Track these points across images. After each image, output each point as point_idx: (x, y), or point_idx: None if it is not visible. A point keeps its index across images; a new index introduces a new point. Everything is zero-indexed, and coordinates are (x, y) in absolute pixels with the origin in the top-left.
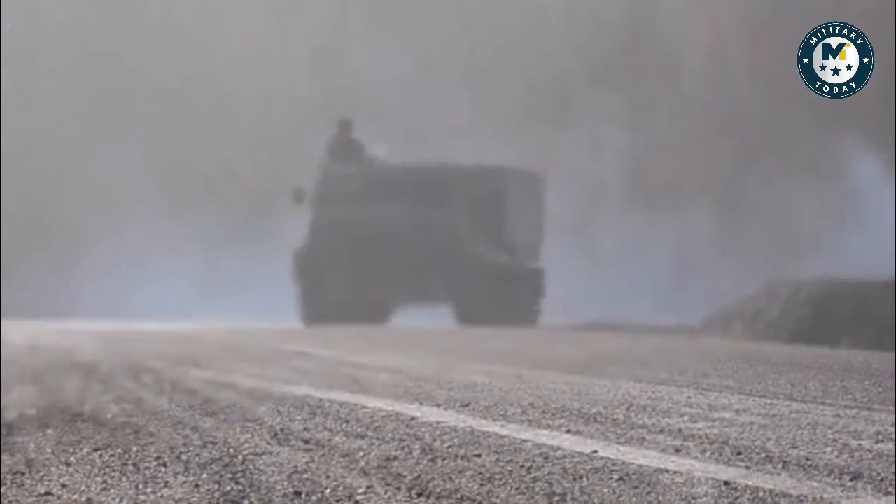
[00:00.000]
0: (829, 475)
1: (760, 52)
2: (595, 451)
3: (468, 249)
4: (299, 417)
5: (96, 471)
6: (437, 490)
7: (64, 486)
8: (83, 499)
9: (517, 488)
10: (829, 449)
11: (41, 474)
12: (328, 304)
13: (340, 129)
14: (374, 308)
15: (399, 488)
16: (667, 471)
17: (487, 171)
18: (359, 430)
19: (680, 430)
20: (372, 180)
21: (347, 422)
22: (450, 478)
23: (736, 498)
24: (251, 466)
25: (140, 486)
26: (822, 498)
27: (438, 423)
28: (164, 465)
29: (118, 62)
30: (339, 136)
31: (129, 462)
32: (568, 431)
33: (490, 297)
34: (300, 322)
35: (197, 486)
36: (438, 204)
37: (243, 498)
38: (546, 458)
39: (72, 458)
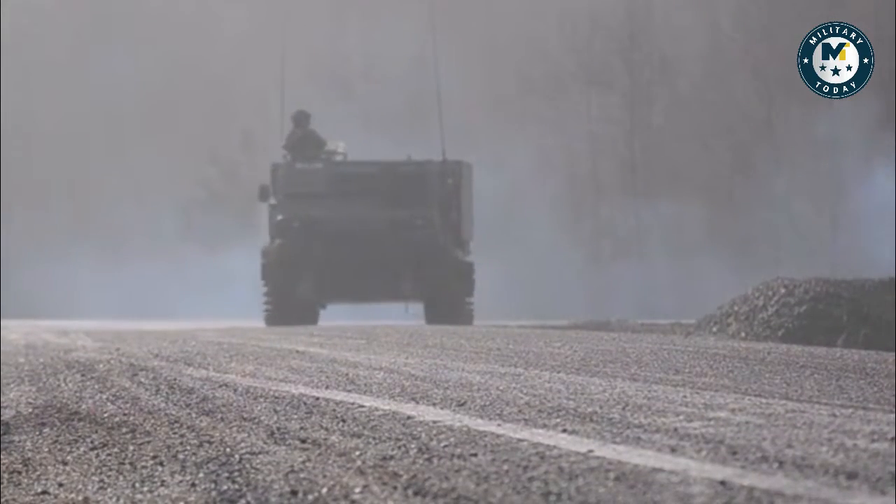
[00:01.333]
0: (824, 474)
1: (757, 52)
2: (591, 451)
3: (444, 248)
4: (296, 416)
5: (93, 470)
6: (434, 489)
7: (61, 484)
8: (80, 498)
9: (513, 487)
10: (824, 448)
11: (38, 473)
12: (293, 304)
13: (297, 122)
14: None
15: (395, 487)
16: (663, 470)
17: (451, 165)
18: (355, 429)
19: (676, 429)
20: (339, 177)
21: (344, 421)
22: (446, 477)
23: (732, 497)
24: (248, 465)
25: (137, 485)
26: (817, 497)
27: (435, 422)
28: (161, 464)
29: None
30: (296, 131)
31: (126, 461)
32: (564, 431)
33: (460, 295)
34: (263, 321)
35: (193, 485)
36: (414, 202)
37: (240, 497)
38: (542, 458)
39: (69, 457)
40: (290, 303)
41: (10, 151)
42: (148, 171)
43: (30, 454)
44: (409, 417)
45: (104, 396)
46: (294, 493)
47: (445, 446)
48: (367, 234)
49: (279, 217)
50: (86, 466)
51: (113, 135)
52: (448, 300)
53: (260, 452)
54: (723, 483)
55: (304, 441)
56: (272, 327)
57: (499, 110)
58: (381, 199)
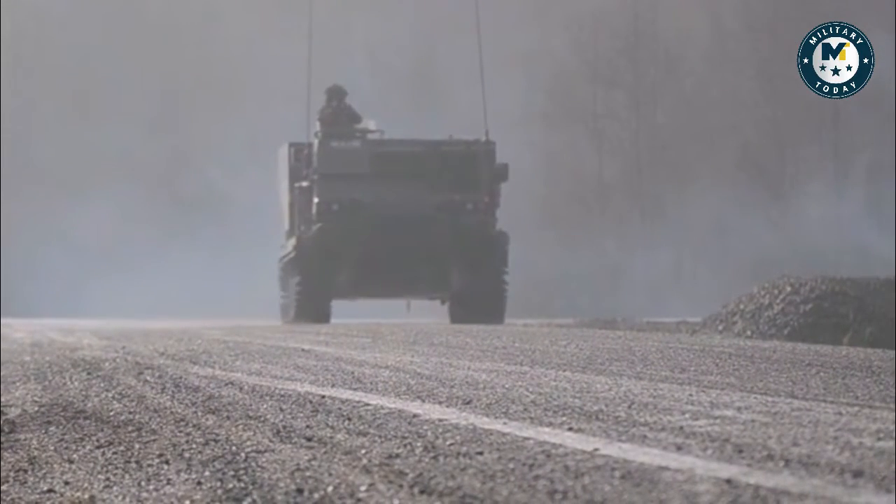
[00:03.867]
0: (830, 473)
1: (762, 51)
2: (597, 449)
3: (496, 237)
4: (301, 415)
5: (99, 468)
6: (440, 488)
7: (67, 483)
8: (86, 496)
9: (519, 486)
10: (830, 446)
11: (44, 471)
12: (326, 298)
13: (331, 97)
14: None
15: (401, 486)
16: (668, 468)
17: (490, 145)
18: (361, 427)
19: (681, 427)
20: (380, 156)
21: (349, 419)
22: (452, 475)
23: (737, 496)
24: (253, 464)
25: (142, 484)
26: (823, 496)
27: (440, 420)
28: (167, 462)
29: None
30: (329, 106)
31: (132, 459)
32: (570, 429)
33: (502, 292)
34: (289, 318)
35: (199, 483)
36: (463, 184)
37: (245, 495)
38: (548, 456)
39: (74, 456)
40: (325, 296)
41: (9, 152)
42: (149, 171)
43: (36, 452)
44: (414, 416)
45: (110, 395)
46: (300, 491)
47: (451, 444)
48: (413, 219)
49: (316, 200)
50: (91, 465)
51: (113, 134)
52: (492, 296)
53: (266, 451)
54: (728, 481)
55: (309, 439)
56: (274, 324)
57: (502, 109)
58: (428, 181)
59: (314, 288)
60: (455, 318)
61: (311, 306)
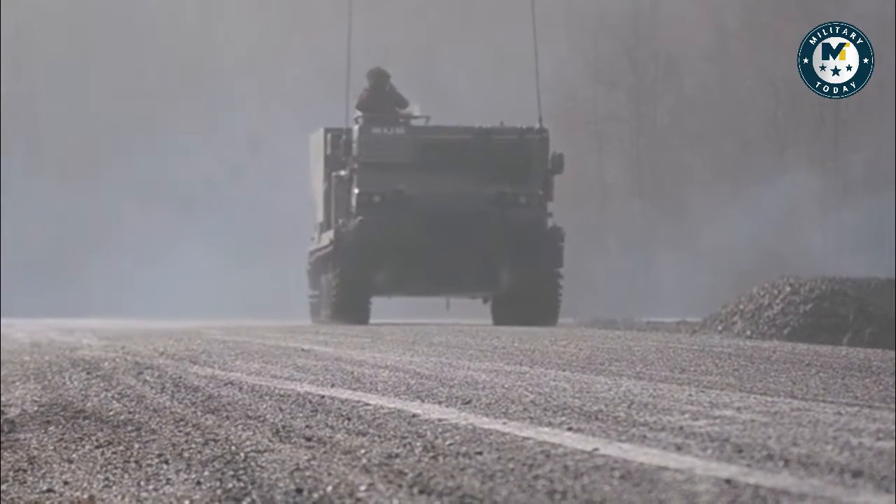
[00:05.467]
0: (829, 473)
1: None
2: (596, 449)
3: (552, 233)
4: (301, 415)
5: (98, 468)
6: (439, 487)
7: (66, 482)
8: (85, 496)
9: (518, 486)
10: (829, 446)
11: (43, 471)
12: (364, 296)
13: (373, 80)
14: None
15: (401, 486)
16: (668, 468)
17: (544, 133)
18: (360, 427)
19: (681, 427)
20: (425, 144)
21: (349, 419)
22: (451, 475)
23: (737, 496)
24: (253, 464)
25: (142, 483)
26: (822, 495)
27: (440, 420)
28: (166, 462)
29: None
30: (370, 90)
31: (132, 459)
32: (569, 429)
33: (557, 291)
34: (321, 317)
35: (199, 483)
36: (516, 176)
37: (245, 495)
38: (547, 456)
39: (74, 455)
40: (364, 295)
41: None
42: (150, 171)
43: (35, 452)
44: (414, 416)
45: (109, 394)
46: (299, 491)
47: (451, 444)
48: (462, 213)
49: (356, 191)
50: (91, 464)
51: (113, 134)
52: (544, 296)
53: (265, 450)
54: (728, 481)
55: (309, 439)
56: (273, 324)
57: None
58: (477, 172)
59: (353, 286)
60: (498, 318)
61: (349, 305)
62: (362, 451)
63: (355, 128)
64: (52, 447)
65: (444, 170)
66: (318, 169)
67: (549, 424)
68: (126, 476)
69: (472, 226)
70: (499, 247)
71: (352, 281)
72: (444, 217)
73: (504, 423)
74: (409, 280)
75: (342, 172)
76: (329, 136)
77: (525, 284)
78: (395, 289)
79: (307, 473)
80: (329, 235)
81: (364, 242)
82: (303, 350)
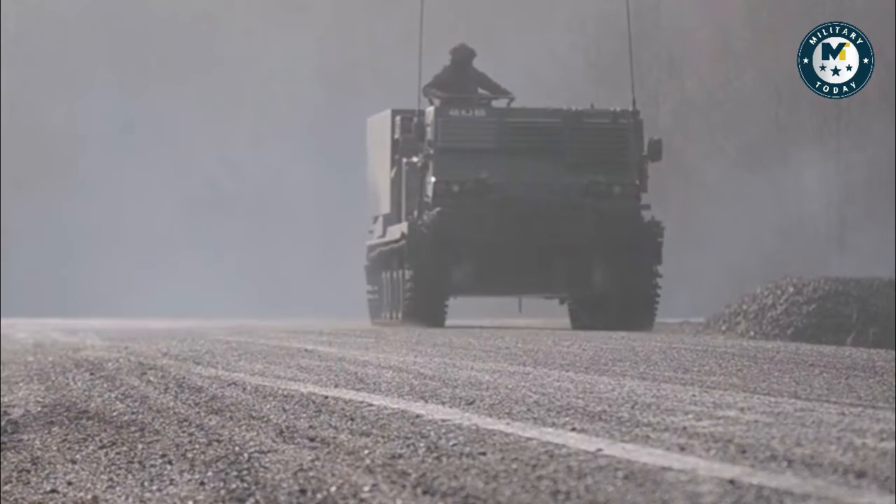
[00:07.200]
0: (833, 473)
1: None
2: (600, 450)
3: (648, 227)
4: (304, 415)
5: (102, 468)
6: (443, 488)
7: (70, 483)
8: (89, 496)
9: (522, 486)
10: (833, 447)
11: (47, 472)
12: (440, 295)
13: (456, 59)
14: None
15: (404, 486)
16: (671, 469)
17: (638, 117)
18: (364, 427)
19: (685, 428)
20: (509, 128)
21: (353, 420)
22: (455, 476)
23: (741, 496)
24: (256, 464)
25: (146, 484)
26: (826, 496)
27: (443, 420)
28: (170, 462)
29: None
30: (451, 69)
31: (135, 460)
32: (573, 429)
33: (653, 292)
34: (384, 318)
35: (202, 483)
36: (609, 163)
37: (249, 496)
38: (551, 456)
39: (77, 456)
40: (440, 295)
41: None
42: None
43: (38, 453)
44: (417, 416)
45: (113, 395)
46: (303, 491)
47: (454, 445)
48: (551, 204)
49: (432, 179)
50: (94, 465)
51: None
52: (640, 297)
53: (269, 451)
54: (732, 482)
55: (312, 440)
56: (277, 325)
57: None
58: (567, 159)
59: (429, 285)
60: (578, 321)
61: (423, 306)
62: (366, 451)
63: (429, 109)
64: (55, 448)
65: (531, 156)
66: (381, 155)
67: (553, 425)
68: (129, 477)
69: (561, 219)
70: (592, 242)
71: (428, 280)
72: (531, 208)
73: (508, 424)
74: (490, 279)
75: (415, 159)
76: (398, 118)
77: (619, 284)
78: (474, 288)
79: (311, 474)
80: (400, 229)
81: (442, 237)
82: (306, 350)
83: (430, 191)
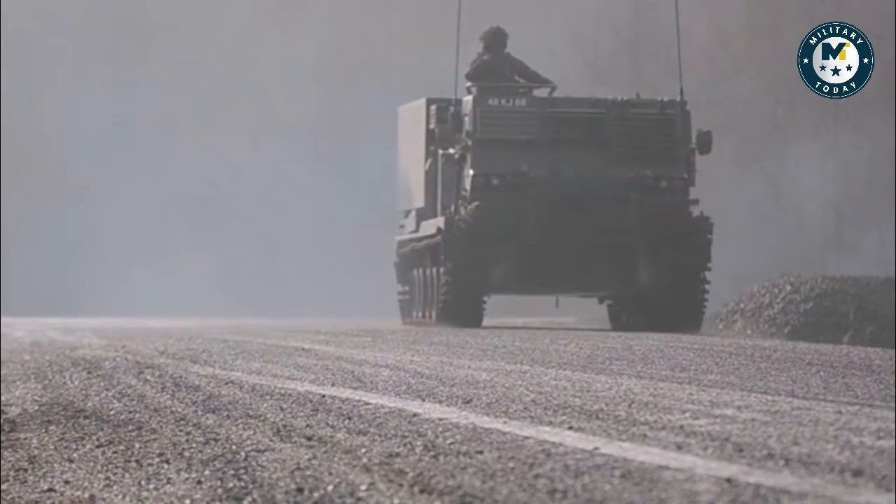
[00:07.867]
0: (830, 472)
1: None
2: (597, 448)
3: (697, 223)
4: (301, 414)
5: (99, 467)
6: (440, 487)
7: (67, 482)
8: (86, 495)
9: (519, 485)
10: (830, 445)
11: (44, 471)
12: (476, 294)
13: (488, 44)
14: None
15: (401, 485)
16: (668, 467)
17: (686, 105)
18: (361, 426)
19: (682, 426)
20: (551, 119)
21: (350, 418)
22: (452, 474)
23: (738, 495)
24: (253, 463)
25: (143, 483)
26: (823, 494)
27: (440, 419)
28: (167, 461)
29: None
30: (487, 55)
31: (132, 458)
32: (570, 428)
33: (700, 292)
34: (415, 318)
35: (199, 482)
36: (657, 156)
37: (246, 494)
38: (548, 455)
39: (75, 455)
40: (478, 293)
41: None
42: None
43: (36, 451)
44: (414, 415)
45: (110, 394)
46: (300, 490)
47: (451, 444)
48: (596, 198)
49: (471, 172)
50: (92, 464)
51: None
52: (688, 297)
53: (266, 450)
54: (729, 480)
55: (309, 438)
56: (274, 324)
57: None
58: (612, 151)
59: (467, 283)
60: (618, 322)
61: (460, 304)
62: (363, 450)
63: (467, 99)
64: (52, 446)
65: (574, 148)
66: (414, 146)
67: (550, 423)
68: (127, 475)
69: (606, 214)
70: (637, 239)
71: (465, 277)
72: (574, 203)
73: (505, 423)
74: (530, 277)
75: (451, 151)
76: (433, 107)
77: (666, 283)
78: (513, 287)
79: (308, 473)
80: (436, 223)
81: (480, 232)
82: (303, 349)
83: (467, 184)
